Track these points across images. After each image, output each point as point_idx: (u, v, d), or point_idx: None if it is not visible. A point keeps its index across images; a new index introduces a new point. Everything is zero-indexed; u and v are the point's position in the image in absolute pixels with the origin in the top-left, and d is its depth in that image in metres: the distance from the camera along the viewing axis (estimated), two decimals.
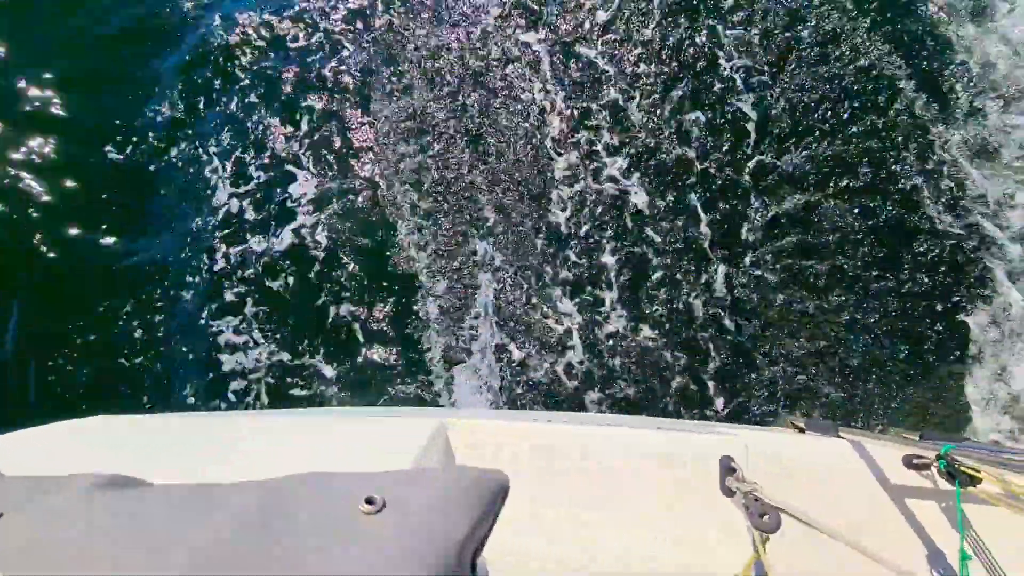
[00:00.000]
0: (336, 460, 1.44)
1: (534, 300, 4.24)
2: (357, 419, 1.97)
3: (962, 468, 1.51)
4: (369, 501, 0.72)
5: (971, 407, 3.99)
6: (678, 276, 4.31)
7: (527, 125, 4.67)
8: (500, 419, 1.85)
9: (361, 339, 4.20)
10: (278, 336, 4.20)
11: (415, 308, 4.27)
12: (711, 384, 4.09)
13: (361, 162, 4.64)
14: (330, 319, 4.24)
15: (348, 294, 4.28)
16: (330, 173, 4.61)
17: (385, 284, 4.31)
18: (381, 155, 4.63)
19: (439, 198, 4.50)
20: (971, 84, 4.60)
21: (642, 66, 4.79)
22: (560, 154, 4.60)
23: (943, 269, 4.22)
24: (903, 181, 4.39)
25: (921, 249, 4.26)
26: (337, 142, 4.69)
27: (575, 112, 4.71)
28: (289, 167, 4.61)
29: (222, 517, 0.73)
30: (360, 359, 4.16)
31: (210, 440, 1.77)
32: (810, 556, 1.52)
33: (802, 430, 2.10)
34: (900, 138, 4.49)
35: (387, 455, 1.49)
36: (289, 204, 4.49)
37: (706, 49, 4.81)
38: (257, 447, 1.72)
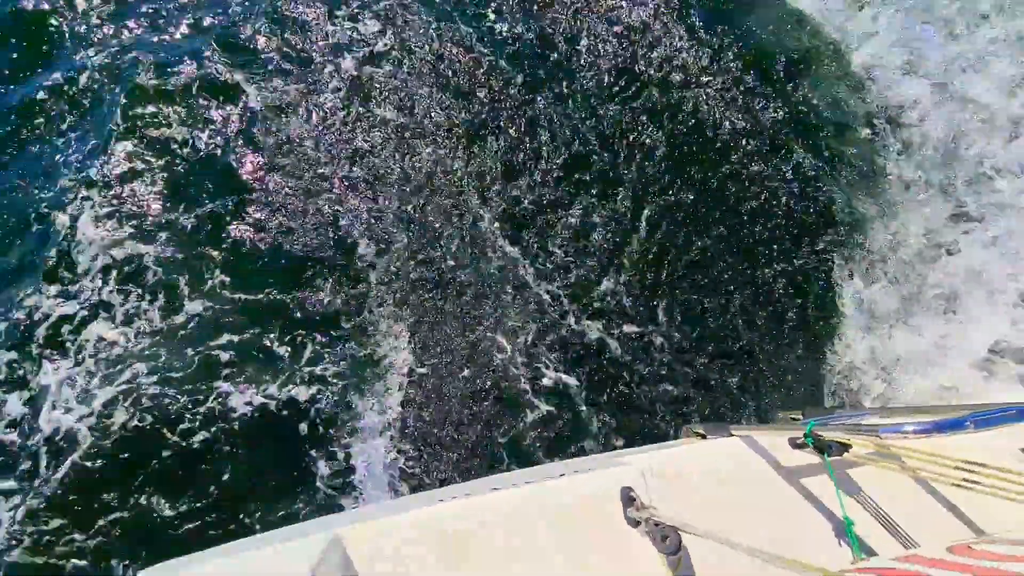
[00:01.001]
0: None
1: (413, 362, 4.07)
2: (229, 556, 1.68)
3: (827, 440, 1.62)
4: None
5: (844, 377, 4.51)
6: (547, 306, 4.38)
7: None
8: (399, 512, 1.68)
9: (225, 450, 3.68)
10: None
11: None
12: (607, 416, 4.15)
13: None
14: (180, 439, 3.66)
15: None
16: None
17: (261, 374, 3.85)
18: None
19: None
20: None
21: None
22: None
23: (801, 263, 4.77)
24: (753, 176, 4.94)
25: (777, 242, 4.80)
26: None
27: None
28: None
29: None
30: (228, 478, 3.64)
31: None
32: (724, 562, 1.53)
33: (704, 436, 2.17)
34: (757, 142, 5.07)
35: None
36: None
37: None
38: None
